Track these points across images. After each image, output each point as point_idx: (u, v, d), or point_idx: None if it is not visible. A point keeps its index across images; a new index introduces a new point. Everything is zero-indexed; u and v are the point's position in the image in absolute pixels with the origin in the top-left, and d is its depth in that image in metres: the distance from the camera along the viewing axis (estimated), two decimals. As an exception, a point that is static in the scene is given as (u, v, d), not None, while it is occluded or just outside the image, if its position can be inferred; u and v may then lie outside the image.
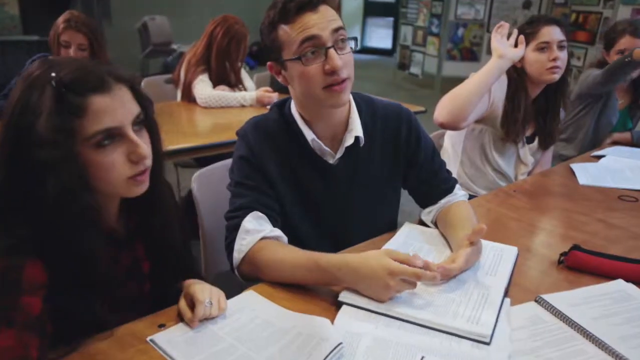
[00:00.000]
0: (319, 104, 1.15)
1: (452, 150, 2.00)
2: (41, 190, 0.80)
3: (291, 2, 1.08)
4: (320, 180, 1.23)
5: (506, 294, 1.03)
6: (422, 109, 2.78)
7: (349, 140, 1.21)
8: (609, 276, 1.12)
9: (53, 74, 0.82)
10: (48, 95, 0.80)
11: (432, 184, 1.33)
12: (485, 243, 1.21)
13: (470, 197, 1.77)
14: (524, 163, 1.96)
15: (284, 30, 1.10)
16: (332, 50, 1.07)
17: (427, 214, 1.35)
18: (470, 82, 1.67)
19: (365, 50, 11.14)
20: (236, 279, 1.16)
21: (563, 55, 1.78)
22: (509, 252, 1.19)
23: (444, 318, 0.93)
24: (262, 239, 1.11)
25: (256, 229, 1.11)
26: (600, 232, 1.37)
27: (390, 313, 0.94)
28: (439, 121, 1.66)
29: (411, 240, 1.23)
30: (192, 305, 0.92)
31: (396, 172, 1.32)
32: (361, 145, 1.23)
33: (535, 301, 1.02)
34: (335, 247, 1.17)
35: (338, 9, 1.20)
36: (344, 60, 1.09)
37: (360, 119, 1.24)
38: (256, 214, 1.13)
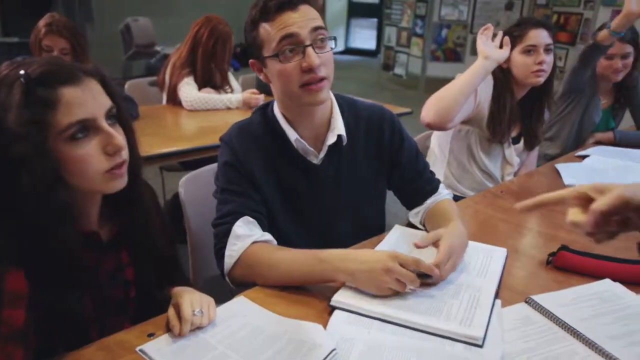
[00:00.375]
0: (298, 102, 1.16)
1: (439, 151, 2.01)
2: (16, 189, 0.78)
3: (271, 0, 1.10)
4: (304, 180, 1.24)
5: (497, 295, 1.04)
6: (408, 110, 2.80)
7: (331, 139, 1.22)
8: (597, 276, 1.13)
9: (22, 72, 0.81)
10: (17, 91, 0.79)
11: (417, 184, 1.35)
12: (475, 245, 1.22)
13: (458, 197, 1.78)
14: (509, 163, 1.98)
15: (264, 28, 1.12)
16: (309, 49, 1.09)
17: (415, 215, 1.36)
18: (456, 83, 1.68)
19: (349, 51, 11.17)
20: (226, 284, 1.15)
21: (549, 58, 1.80)
22: (499, 254, 1.20)
23: (437, 321, 0.93)
24: (253, 243, 1.11)
25: (247, 234, 1.11)
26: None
27: (383, 317, 0.94)
28: (426, 121, 1.67)
29: (402, 244, 1.23)
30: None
31: (381, 172, 1.33)
32: (344, 143, 1.24)
33: (526, 302, 1.03)
34: (323, 248, 1.17)
35: (321, 9, 1.21)
36: (322, 59, 1.10)
37: (343, 119, 1.25)
38: (246, 219, 1.13)
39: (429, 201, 1.34)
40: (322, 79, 1.11)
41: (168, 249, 1.08)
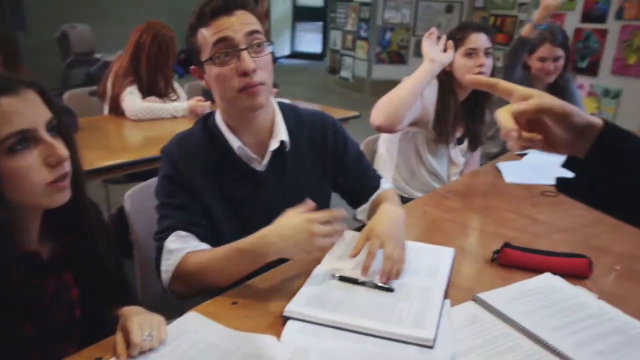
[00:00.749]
0: (237, 107, 1.16)
1: (387, 154, 2.05)
2: None
3: (207, 6, 1.11)
4: (248, 188, 1.24)
5: (446, 295, 1.07)
6: (356, 113, 2.83)
7: (274, 145, 1.23)
8: (538, 270, 1.18)
9: None
10: None
11: (362, 184, 1.40)
12: (423, 246, 1.25)
13: (407, 199, 1.82)
14: (455, 163, 2.04)
15: (201, 33, 1.13)
16: (244, 53, 1.10)
17: (362, 212, 1.41)
18: (404, 85, 1.73)
19: (295, 55, 11.19)
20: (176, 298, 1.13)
21: (489, 61, 1.87)
22: (447, 254, 1.23)
23: (389, 325, 0.94)
24: (186, 254, 1.11)
25: (179, 248, 1.11)
26: (528, 227, 1.45)
27: (336, 324, 0.95)
28: (376, 124, 1.70)
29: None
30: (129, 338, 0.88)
31: (325, 177, 1.35)
32: (287, 149, 1.25)
33: (473, 300, 1.06)
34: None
35: (265, 15, 1.21)
36: (258, 64, 1.11)
37: (286, 125, 1.26)
38: (179, 233, 1.13)
39: (373, 196, 1.39)
40: (259, 83, 1.12)
41: (115, 266, 1.05)
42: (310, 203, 1.06)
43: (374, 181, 1.41)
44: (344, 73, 7.97)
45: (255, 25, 1.13)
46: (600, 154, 0.67)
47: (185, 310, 1.00)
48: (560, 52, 2.30)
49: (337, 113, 2.78)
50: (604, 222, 1.42)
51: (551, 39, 2.29)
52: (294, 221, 1.03)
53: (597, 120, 0.67)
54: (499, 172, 1.92)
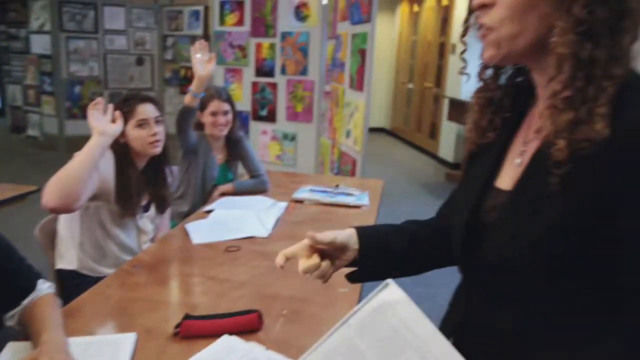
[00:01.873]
0: None
1: (68, 234, 1.89)
2: None
3: None
4: None
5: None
6: (33, 188, 2.55)
7: None
8: (218, 334, 1.25)
9: None
10: None
11: (11, 285, 1.20)
12: (98, 339, 1.19)
13: (98, 279, 1.71)
14: (145, 232, 2.02)
15: None
16: None
17: (11, 318, 1.21)
18: (75, 162, 1.64)
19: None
20: None
21: (160, 129, 1.93)
22: (126, 342, 1.19)
23: None
24: None
25: None
26: (212, 289, 1.53)
27: None
28: (49, 206, 1.57)
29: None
30: None
31: None
32: None
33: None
34: None
35: None
36: None
37: None
38: None
39: (26, 301, 1.21)
40: None
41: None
42: None
43: (28, 281, 1.24)
44: (32, 131, 7.14)
45: None
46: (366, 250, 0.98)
47: None
48: (227, 106, 2.55)
49: (6, 191, 2.45)
50: (276, 270, 1.60)
51: (217, 95, 2.53)
52: None
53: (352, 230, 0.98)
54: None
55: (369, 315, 0.80)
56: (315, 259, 0.92)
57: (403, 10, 9.34)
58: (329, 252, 0.95)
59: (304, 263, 0.93)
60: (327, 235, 0.93)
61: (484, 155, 0.91)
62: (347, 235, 0.96)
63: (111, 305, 1.44)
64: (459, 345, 0.72)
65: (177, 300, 1.47)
